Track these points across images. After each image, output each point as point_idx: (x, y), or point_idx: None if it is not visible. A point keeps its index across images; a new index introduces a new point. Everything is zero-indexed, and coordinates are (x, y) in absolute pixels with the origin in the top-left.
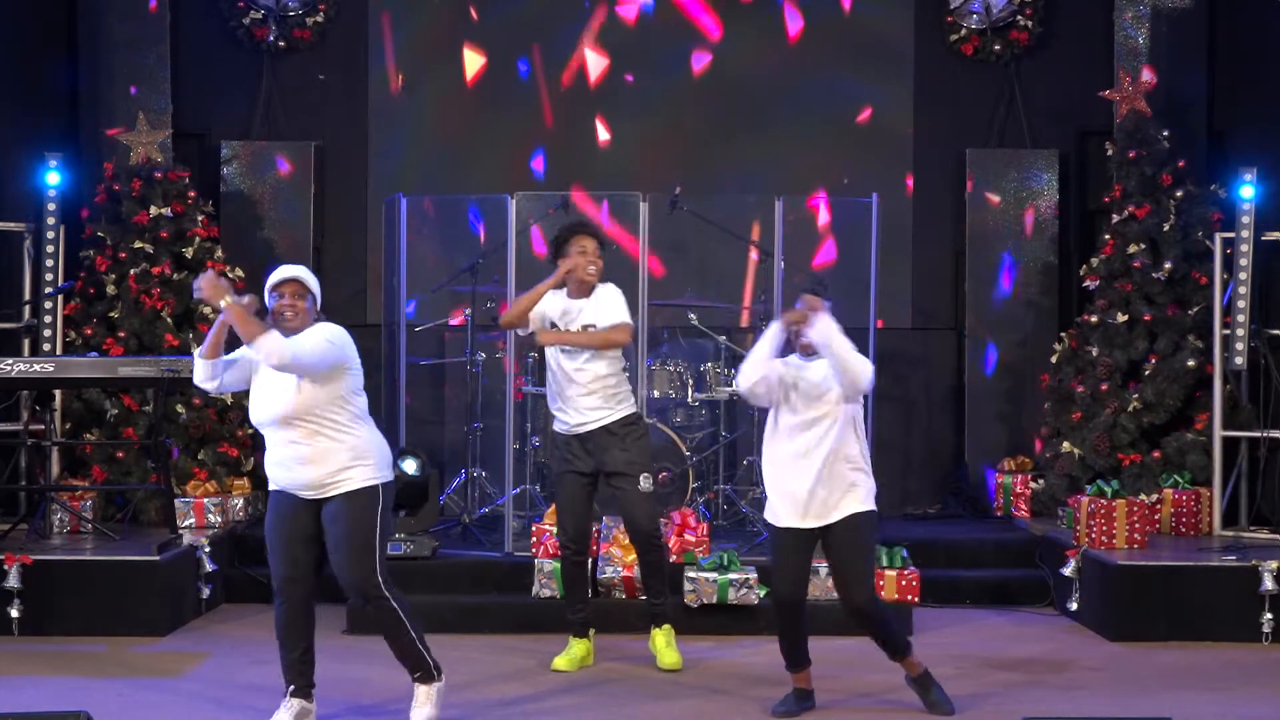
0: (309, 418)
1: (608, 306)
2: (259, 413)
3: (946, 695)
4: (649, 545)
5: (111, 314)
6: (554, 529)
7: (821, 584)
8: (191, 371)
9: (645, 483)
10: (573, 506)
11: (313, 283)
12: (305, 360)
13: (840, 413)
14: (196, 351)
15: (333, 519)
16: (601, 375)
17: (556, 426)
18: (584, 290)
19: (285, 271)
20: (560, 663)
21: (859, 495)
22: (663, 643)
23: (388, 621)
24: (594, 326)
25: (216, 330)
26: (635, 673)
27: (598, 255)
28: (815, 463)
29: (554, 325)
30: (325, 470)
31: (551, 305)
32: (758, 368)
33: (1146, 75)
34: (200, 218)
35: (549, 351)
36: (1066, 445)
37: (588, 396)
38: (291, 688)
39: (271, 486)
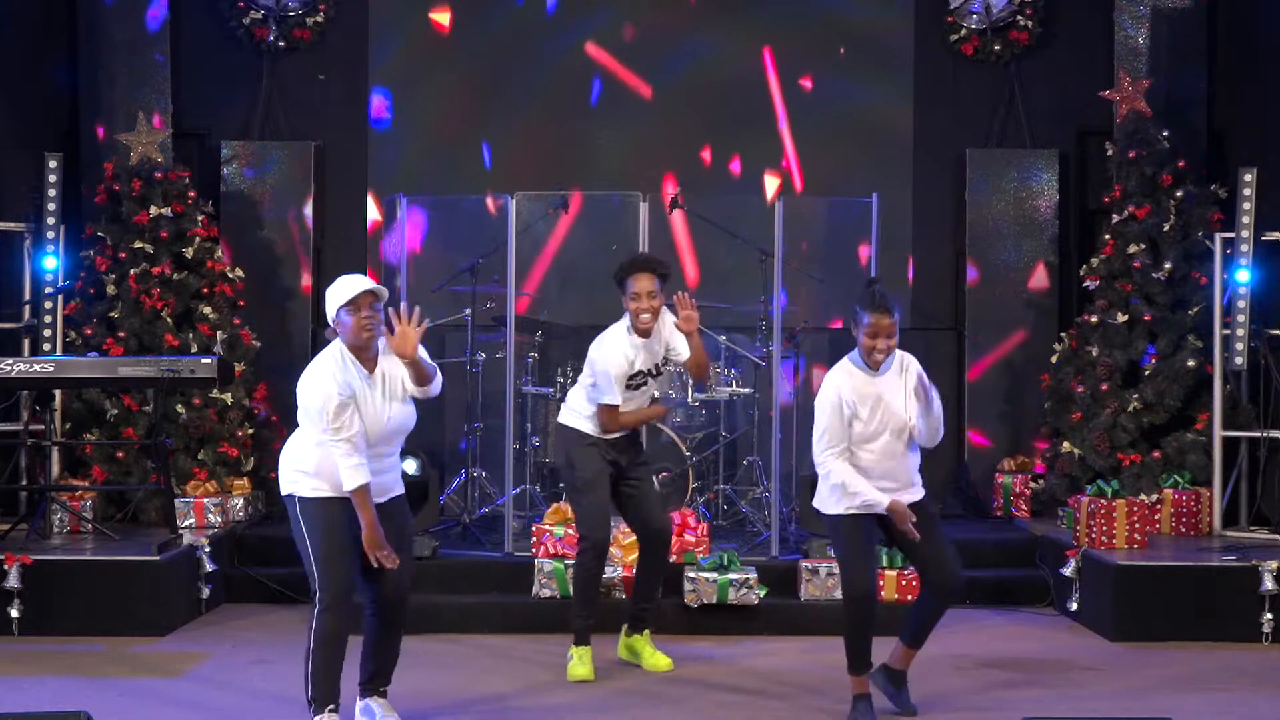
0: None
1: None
2: (374, 430)
3: (910, 698)
4: (668, 543)
5: (111, 314)
6: (553, 528)
7: (822, 583)
8: (190, 371)
9: (655, 482)
10: (606, 505)
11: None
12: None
13: None
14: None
15: (390, 515)
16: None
17: (590, 430)
18: (649, 328)
19: (363, 284)
20: (585, 672)
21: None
22: (650, 648)
23: (407, 620)
24: (675, 353)
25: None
26: (633, 673)
27: (651, 297)
28: None
29: (647, 375)
30: (395, 475)
31: (637, 355)
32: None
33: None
34: (200, 218)
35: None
36: (1066, 445)
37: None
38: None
39: (316, 494)
